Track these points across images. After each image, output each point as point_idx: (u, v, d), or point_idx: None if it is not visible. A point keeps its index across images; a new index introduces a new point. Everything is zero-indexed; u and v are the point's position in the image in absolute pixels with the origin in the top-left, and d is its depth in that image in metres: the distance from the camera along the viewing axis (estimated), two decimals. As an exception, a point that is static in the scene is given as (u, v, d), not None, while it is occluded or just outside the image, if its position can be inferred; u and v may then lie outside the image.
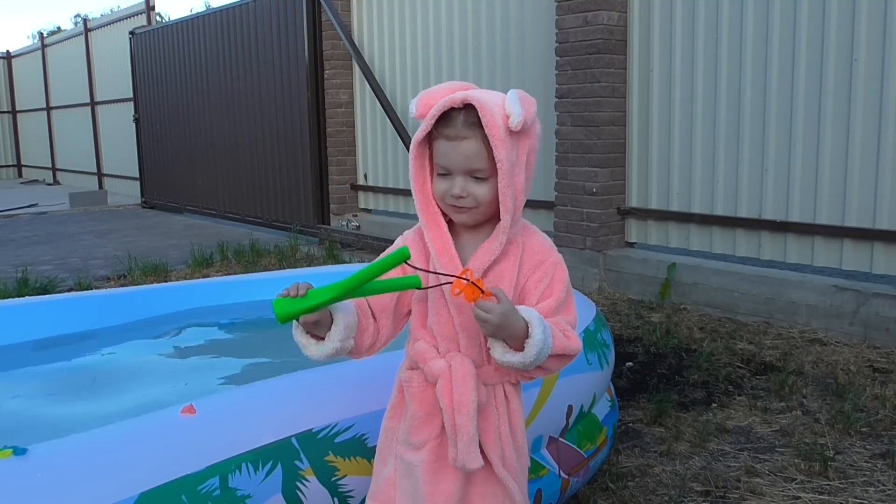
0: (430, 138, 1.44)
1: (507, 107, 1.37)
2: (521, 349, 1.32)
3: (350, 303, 1.42)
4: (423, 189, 1.47)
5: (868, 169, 4.13)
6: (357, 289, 1.31)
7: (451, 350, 1.45)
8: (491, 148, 1.36)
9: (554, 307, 1.43)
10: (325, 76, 7.73)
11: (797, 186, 4.44)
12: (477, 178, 1.40)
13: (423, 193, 1.47)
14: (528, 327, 1.32)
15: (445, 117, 1.40)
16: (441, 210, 1.47)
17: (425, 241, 1.48)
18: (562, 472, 2.25)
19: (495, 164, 1.37)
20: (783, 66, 4.43)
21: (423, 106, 1.42)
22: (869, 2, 4.05)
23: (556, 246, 1.53)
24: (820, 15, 4.24)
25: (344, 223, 7.73)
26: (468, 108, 1.38)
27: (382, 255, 1.38)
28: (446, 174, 1.42)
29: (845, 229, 4.24)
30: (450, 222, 1.48)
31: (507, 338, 1.33)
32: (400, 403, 1.54)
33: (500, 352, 1.35)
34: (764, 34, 4.50)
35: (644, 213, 5.22)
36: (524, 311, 1.34)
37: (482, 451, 1.44)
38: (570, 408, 2.32)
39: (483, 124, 1.35)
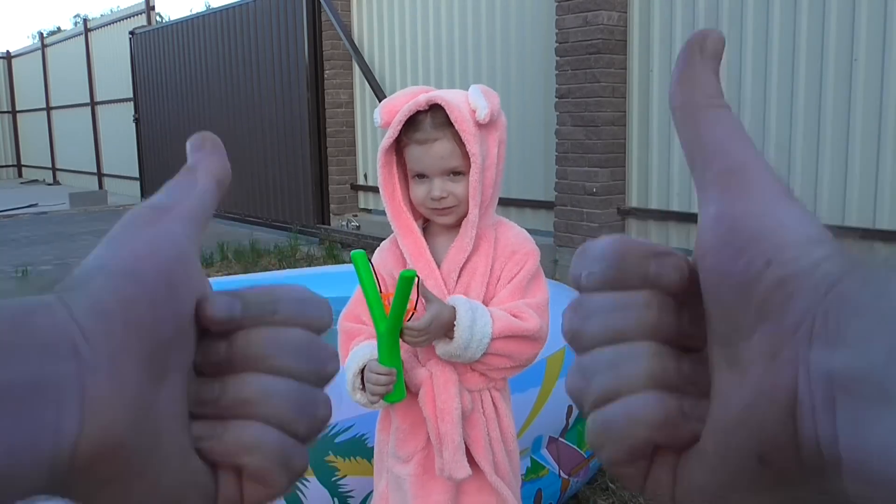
0: (397, 145, 1.44)
1: (471, 102, 1.38)
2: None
3: None
4: (393, 196, 1.47)
5: (868, 169, 4.13)
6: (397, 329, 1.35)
7: (431, 357, 1.42)
8: (462, 145, 1.37)
9: (514, 291, 1.42)
10: (325, 76, 7.73)
11: (797, 186, 4.44)
12: (454, 177, 1.40)
13: (393, 200, 1.47)
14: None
15: (411, 122, 1.40)
16: (413, 215, 1.47)
17: (400, 248, 1.47)
18: (562, 472, 2.25)
19: (468, 160, 1.38)
20: (783, 65, 4.43)
21: (386, 114, 1.42)
22: (869, 2, 4.05)
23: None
24: (820, 15, 4.25)
25: (344, 223, 7.73)
26: (434, 109, 1.38)
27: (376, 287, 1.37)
28: (423, 178, 1.42)
29: (845, 229, 4.24)
30: (423, 227, 1.49)
31: (447, 331, 1.34)
32: (387, 415, 1.52)
33: (440, 346, 1.36)
34: (764, 34, 4.50)
35: (644, 213, 5.22)
36: (452, 299, 1.36)
37: (472, 460, 1.42)
38: (570, 408, 2.32)
39: (452, 121, 1.36)
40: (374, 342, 1.40)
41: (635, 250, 0.31)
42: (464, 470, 1.39)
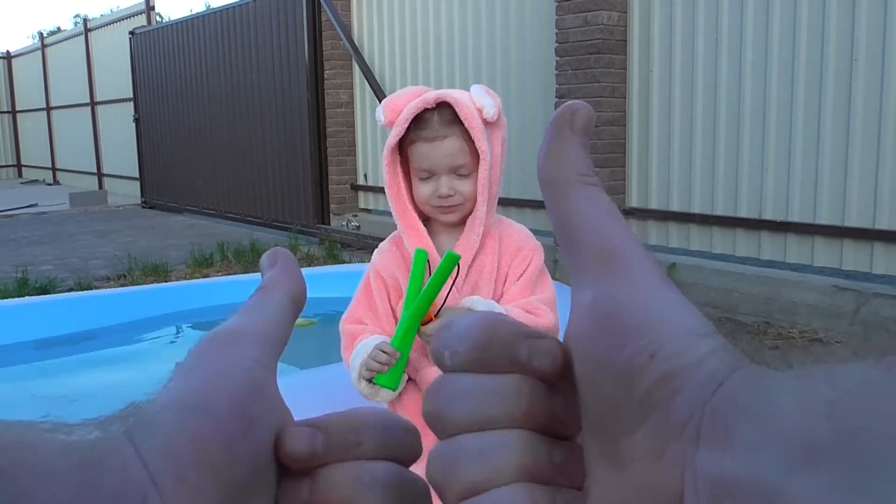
0: (401, 144, 1.45)
1: (476, 101, 1.39)
2: None
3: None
4: (399, 195, 1.47)
5: (868, 169, 4.13)
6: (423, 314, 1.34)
7: None
8: (469, 143, 1.39)
9: (524, 288, 1.43)
10: (325, 76, 7.73)
11: (797, 186, 4.44)
12: (460, 174, 1.41)
13: (398, 199, 1.47)
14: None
15: (418, 120, 1.41)
16: (418, 214, 1.47)
17: (403, 249, 1.48)
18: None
19: (475, 158, 1.40)
20: (783, 65, 4.43)
21: (390, 112, 1.43)
22: (869, 2, 4.05)
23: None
24: (820, 15, 4.25)
25: (344, 223, 7.73)
26: (441, 107, 1.40)
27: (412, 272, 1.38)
28: (429, 176, 1.42)
29: (845, 229, 4.24)
30: (425, 225, 1.49)
31: None
32: None
33: None
34: (764, 34, 4.50)
35: (644, 213, 5.22)
36: (469, 300, 1.37)
37: None
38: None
39: (462, 118, 1.38)
40: (383, 336, 1.40)
41: (504, 332, 0.29)
42: None
